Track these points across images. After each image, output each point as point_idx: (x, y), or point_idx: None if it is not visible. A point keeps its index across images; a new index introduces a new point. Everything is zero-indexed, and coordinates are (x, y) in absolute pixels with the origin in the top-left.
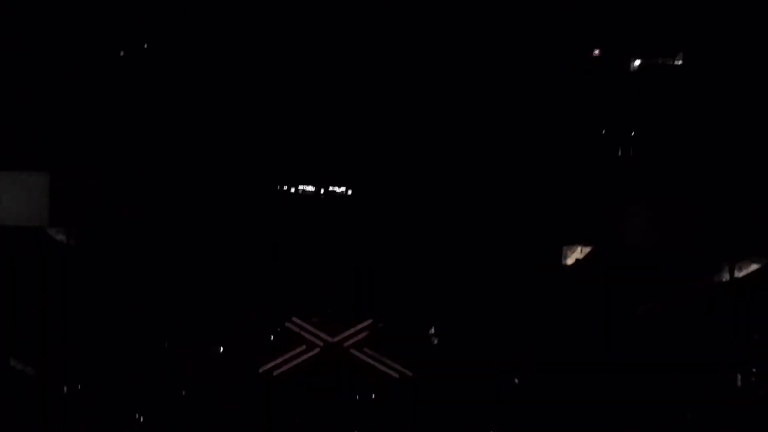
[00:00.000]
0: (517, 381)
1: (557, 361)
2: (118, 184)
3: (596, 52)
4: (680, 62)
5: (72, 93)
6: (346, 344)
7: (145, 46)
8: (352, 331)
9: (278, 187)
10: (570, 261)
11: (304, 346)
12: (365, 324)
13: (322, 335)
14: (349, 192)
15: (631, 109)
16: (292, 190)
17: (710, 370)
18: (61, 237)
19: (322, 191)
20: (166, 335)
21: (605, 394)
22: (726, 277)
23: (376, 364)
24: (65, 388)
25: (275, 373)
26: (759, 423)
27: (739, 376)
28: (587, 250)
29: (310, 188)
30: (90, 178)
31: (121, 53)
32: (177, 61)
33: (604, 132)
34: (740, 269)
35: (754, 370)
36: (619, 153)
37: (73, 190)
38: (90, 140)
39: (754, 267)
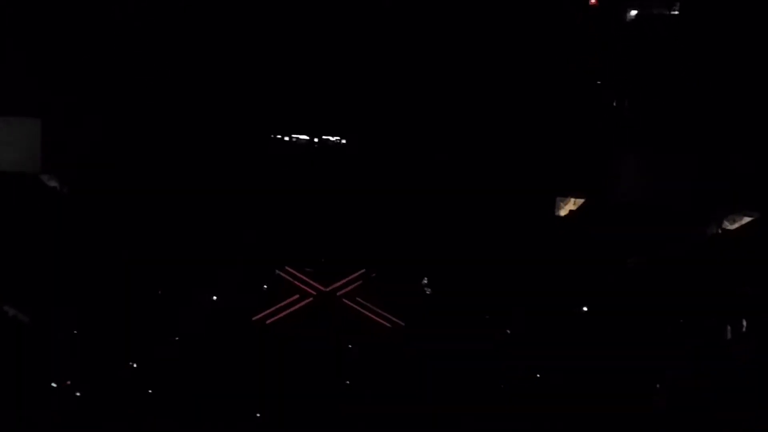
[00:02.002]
0: (509, 332)
1: (549, 311)
2: (111, 130)
3: (592, 1)
4: (676, 12)
5: (63, 40)
6: (339, 293)
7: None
8: (345, 280)
9: (272, 136)
10: (563, 212)
11: (297, 295)
12: (358, 273)
13: (316, 284)
14: (343, 141)
15: (626, 60)
16: (286, 138)
17: (701, 322)
18: (53, 183)
19: (315, 140)
20: (160, 283)
21: (597, 345)
22: (718, 229)
23: (369, 314)
24: (59, 335)
25: (268, 321)
26: (749, 376)
27: (729, 328)
28: (580, 201)
29: (304, 137)
30: (82, 124)
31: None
32: (171, 10)
33: (599, 83)
34: (732, 222)
35: (744, 321)
36: (614, 104)
37: (65, 137)
38: (82, 87)
39: (745, 220)
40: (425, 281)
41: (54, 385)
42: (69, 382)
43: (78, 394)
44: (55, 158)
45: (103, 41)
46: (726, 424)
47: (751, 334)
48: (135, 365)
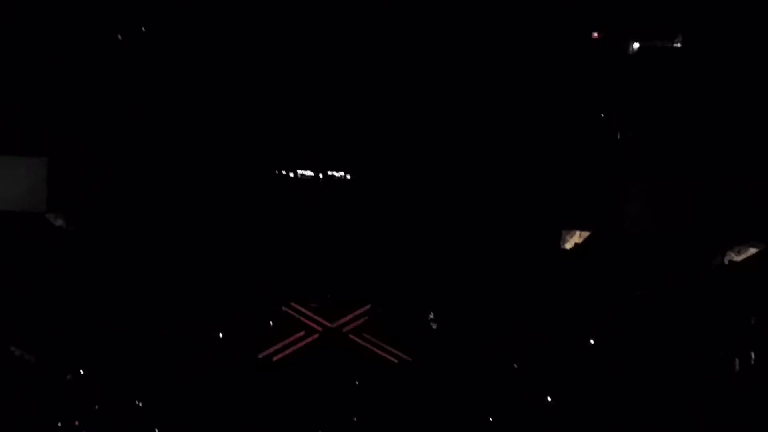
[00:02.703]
0: (516, 366)
1: (556, 345)
2: (117, 169)
3: (595, 34)
4: (679, 44)
5: (70, 78)
6: (345, 329)
7: (143, 29)
8: (351, 316)
9: (277, 172)
10: (569, 245)
11: (303, 332)
12: (364, 309)
13: (322, 320)
14: (348, 177)
15: (630, 92)
16: (291, 174)
17: (708, 353)
18: (59, 222)
19: (320, 176)
20: (166, 320)
21: (605, 378)
22: (724, 260)
23: (376, 350)
24: (65, 374)
25: (275, 358)
26: (757, 407)
27: (737, 361)
28: (586, 234)
29: (309, 173)
30: (88, 163)
31: (119, 37)
32: (175, 46)
33: (603, 115)
34: (738, 253)
35: (753, 354)
36: (618, 136)
37: (71, 175)
38: (88, 125)
39: (751, 251)
40: (431, 316)
41: (60, 424)
42: (77, 423)
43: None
44: (62, 197)
45: (110, 79)
46: None
47: (759, 366)
48: (141, 404)
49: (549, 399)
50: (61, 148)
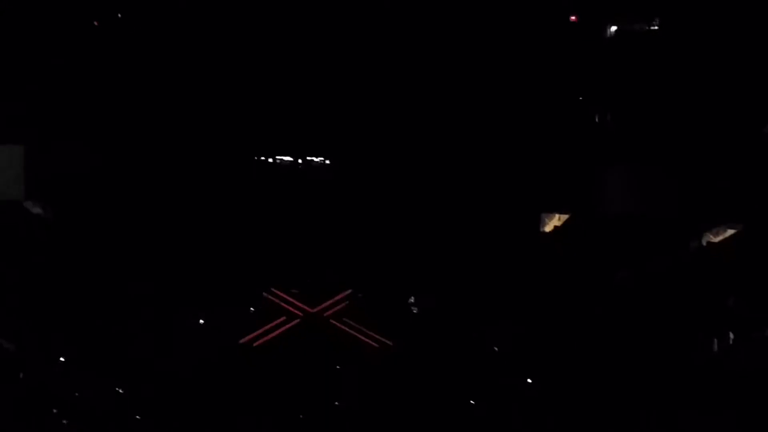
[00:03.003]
0: (496, 349)
1: (536, 329)
2: (94, 156)
3: (573, 17)
4: (656, 27)
5: (46, 65)
6: (326, 314)
7: (119, 15)
8: (332, 301)
9: (256, 158)
10: (548, 228)
11: (284, 317)
12: (345, 294)
13: (302, 306)
14: (328, 162)
15: (608, 75)
16: (270, 160)
17: (688, 335)
18: (37, 210)
19: (300, 162)
20: (145, 307)
21: (585, 362)
22: (702, 242)
23: (357, 334)
24: (45, 363)
25: (255, 344)
26: (736, 388)
27: (715, 341)
28: (565, 217)
29: (289, 159)
30: (66, 150)
31: (95, 23)
32: (153, 31)
33: (581, 98)
34: (716, 234)
35: (731, 334)
36: (597, 119)
37: (49, 163)
38: (65, 113)
39: (729, 232)
40: (412, 300)
41: (41, 412)
42: (55, 410)
43: (65, 421)
44: (39, 185)
45: (86, 65)
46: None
47: (738, 347)
48: (121, 390)
49: (529, 381)
50: (38, 136)
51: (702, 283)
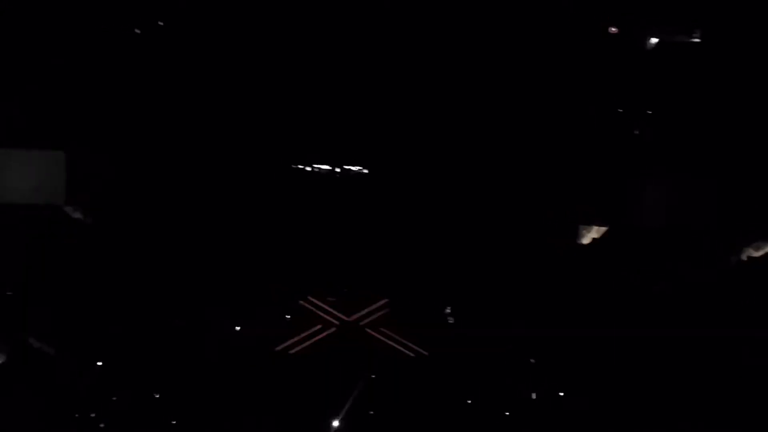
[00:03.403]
0: (533, 361)
1: (574, 340)
2: (135, 162)
3: (613, 29)
4: (698, 39)
5: (89, 70)
6: (362, 323)
7: (161, 24)
8: (368, 310)
9: (294, 166)
10: (586, 240)
11: (320, 325)
12: (381, 303)
13: (338, 314)
14: (366, 171)
15: (648, 87)
16: (308, 168)
17: (727, 350)
18: (77, 215)
19: (337, 170)
20: (182, 314)
21: (622, 375)
22: (742, 257)
23: (392, 344)
24: (83, 366)
25: (291, 351)
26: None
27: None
28: (603, 229)
29: (326, 167)
30: (107, 156)
31: (137, 31)
32: (193, 39)
33: (620, 110)
34: (757, 249)
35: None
36: (636, 132)
37: (89, 169)
38: (107, 118)
39: None
40: (448, 310)
41: (77, 416)
42: (93, 415)
43: (102, 425)
44: (80, 190)
45: (129, 73)
46: None
47: None
48: (158, 396)
49: (562, 395)
50: (79, 142)
51: (741, 298)
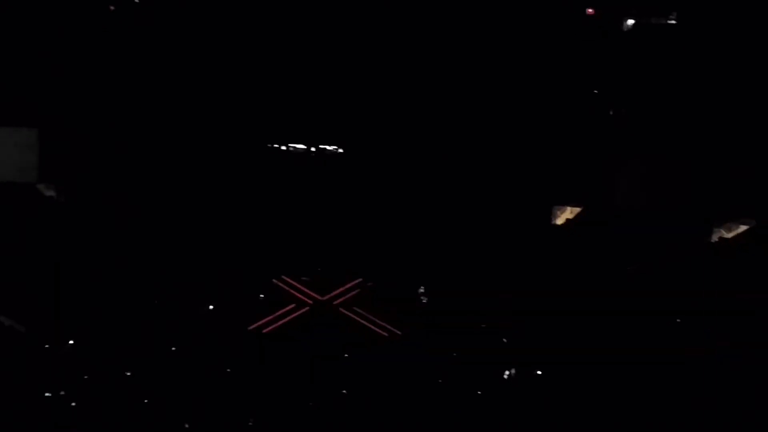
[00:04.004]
0: (505, 341)
1: (547, 320)
2: (108, 139)
3: (590, 11)
4: (674, 21)
5: (61, 48)
6: (335, 303)
7: (137, 0)
8: (341, 289)
9: (269, 145)
10: (560, 221)
11: (293, 305)
12: (355, 283)
13: (312, 294)
14: (341, 150)
15: (623, 69)
16: (283, 148)
17: (700, 328)
18: (50, 193)
19: (313, 150)
20: (156, 292)
21: (596, 355)
22: (715, 237)
23: (366, 323)
24: (56, 345)
25: (264, 330)
26: (745, 384)
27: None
28: (577, 210)
29: (302, 146)
30: (79, 133)
31: (111, 8)
32: (168, 16)
33: (596, 92)
34: (729, 230)
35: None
36: (611, 113)
37: (62, 146)
38: (79, 96)
39: (742, 228)
40: (422, 290)
41: (48, 395)
42: (63, 393)
43: (73, 404)
44: (53, 167)
45: (101, 49)
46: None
47: (749, 339)
48: (130, 374)
49: (538, 373)
50: (52, 119)
51: (714, 278)
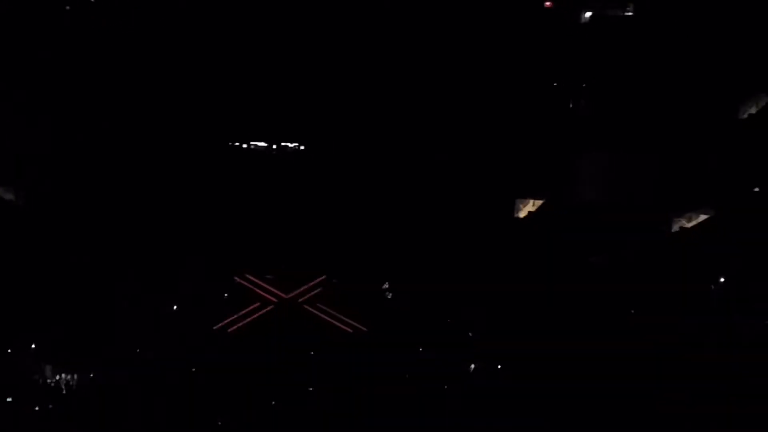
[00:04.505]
0: (471, 335)
1: (511, 311)
2: (66, 142)
3: (548, 3)
4: (631, 13)
5: (18, 51)
6: (300, 300)
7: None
8: (306, 287)
9: (230, 143)
10: (522, 214)
11: (258, 303)
12: (319, 280)
13: (277, 291)
14: (302, 147)
15: (582, 61)
16: (244, 145)
17: (661, 318)
18: (8, 196)
19: (274, 147)
20: (118, 293)
21: (561, 342)
22: (675, 227)
23: (331, 320)
24: (14, 347)
25: (230, 329)
26: (708, 370)
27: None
28: (539, 202)
29: (263, 144)
30: (37, 137)
31: (67, 7)
32: (128, 13)
33: (555, 84)
34: (689, 220)
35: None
36: (571, 105)
37: (20, 150)
38: (36, 99)
39: (702, 218)
40: (386, 286)
41: (9, 400)
42: (26, 396)
43: (36, 408)
44: (10, 170)
45: (60, 50)
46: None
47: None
48: (94, 376)
49: (499, 367)
50: (8, 123)
51: (675, 267)
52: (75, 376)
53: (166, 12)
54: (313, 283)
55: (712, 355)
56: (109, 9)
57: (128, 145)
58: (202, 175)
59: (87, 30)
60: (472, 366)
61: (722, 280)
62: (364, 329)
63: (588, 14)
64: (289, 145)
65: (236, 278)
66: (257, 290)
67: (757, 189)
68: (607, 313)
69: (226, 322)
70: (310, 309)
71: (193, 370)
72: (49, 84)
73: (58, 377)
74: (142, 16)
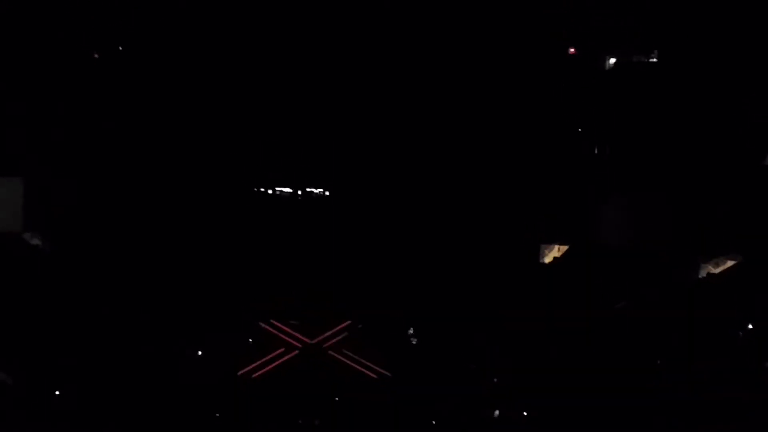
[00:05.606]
0: (496, 380)
1: (537, 358)
2: (93, 188)
3: (572, 50)
4: (655, 60)
5: (46, 99)
6: (325, 345)
7: (120, 48)
8: (330, 332)
9: (256, 189)
10: (548, 259)
11: (283, 348)
12: (344, 325)
13: (301, 337)
14: (327, 193)
15: (607, 107)
16: (270, 191)
17: (688, 365)
18: (35, 242)
19: (299, 193)
20: (145, 338)
21: (587, 391)
22: (702, 273)
23: (356, 366)
24: (43, 394)
25: (254, 375)
26: (736, 416)
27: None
28: (564, 248)
29: (288, 190)
30: (64, 183)
31: (96, 56)
32: (153, 65)
33: (580, 130)
34: (716, 266)
35: (733, 364)
36: (596, 151)
37: (47, 195)
38: (64, 146)
39: (729, 263)
40: (411, 331)
41: None
42: None
43: None
44: (37, 217)
45: (85, 102)
46: None
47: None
48: (122, 421)
49: (525, 414)
50: (36, 168)
51: (703, 312)
52: (96, 419)
53: (197, 57)
54: (337, 328)
55: (743, 402)
56: (141, 54)
57: (156, 190)
58: (227, 221)
59: (118, 83)
60: (497, 413)
61: (750, 326)
62: (389, 375)
63: (612, 60)
64: (315, 190)
65: (261, 324)
66: (282, 336)
67: None
68: (635, 361)
69: (251, 367)
70: (335, 354)
71: (217, 415)
72: (76, 135)
73: (78, 420)
74: (172, 59)
